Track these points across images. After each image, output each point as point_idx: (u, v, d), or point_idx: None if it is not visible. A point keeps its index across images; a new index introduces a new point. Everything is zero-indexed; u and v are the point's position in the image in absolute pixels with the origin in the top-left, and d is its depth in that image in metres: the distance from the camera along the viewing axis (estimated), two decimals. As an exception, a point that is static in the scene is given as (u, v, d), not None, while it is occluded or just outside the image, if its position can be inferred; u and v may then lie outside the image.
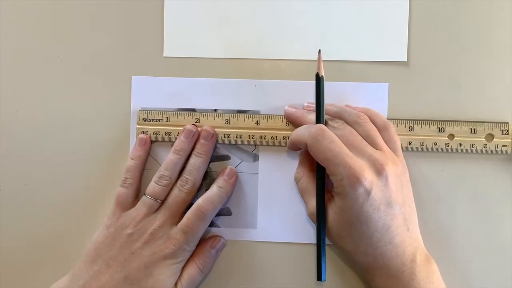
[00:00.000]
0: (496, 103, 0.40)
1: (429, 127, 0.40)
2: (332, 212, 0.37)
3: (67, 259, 0.41)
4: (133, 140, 0.41)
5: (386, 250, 0.35)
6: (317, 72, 0.38)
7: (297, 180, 0.40)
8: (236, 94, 0.41)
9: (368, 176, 0.34)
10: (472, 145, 0.40)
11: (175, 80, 0.42)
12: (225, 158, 0.42)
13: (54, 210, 0.42)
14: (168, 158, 0.39)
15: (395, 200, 0.35)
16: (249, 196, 0.41)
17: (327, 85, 0.38)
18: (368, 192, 0.34)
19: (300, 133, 0.37)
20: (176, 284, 0.38)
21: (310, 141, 0.36)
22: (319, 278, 0.37)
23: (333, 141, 0.35)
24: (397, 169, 0.36)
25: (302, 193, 0.40)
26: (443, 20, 0.41)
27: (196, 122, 0.41)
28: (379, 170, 0.35)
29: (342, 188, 0.35)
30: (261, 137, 0.41)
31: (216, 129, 0.41)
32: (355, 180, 0.34)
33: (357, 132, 0.37)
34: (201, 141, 0.40)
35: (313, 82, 0.38)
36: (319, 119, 0.38)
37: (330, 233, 0.37)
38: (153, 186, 0.39)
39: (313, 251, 0.40)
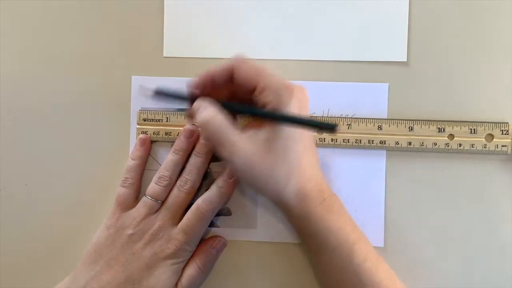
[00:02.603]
0: (496, 103, 0.40)
1: (429, 127, 0.40)
2: (251, 146, 0.34)
3: (67, 259, 0.41)
4: (133, 140, 0.41)
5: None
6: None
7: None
8: (236, 94, 0.41)
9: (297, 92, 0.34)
10: (472, 145, 0.40)
11: (175, 80, 0.42)
12: (225, 158, 0.42)
13: (55, 210, 0.42)
14: (168, 158, 0.39)
15: None
16: (249, 196, 0.41)
17: (328, 85, 0.38)
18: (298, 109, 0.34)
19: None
20: (176, 284, 0.38)
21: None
22: None
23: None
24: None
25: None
26: (443, 20, 0.41)
27: (196, 123, 0.41)
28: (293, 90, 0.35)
29: (278, 100, 0.34)
30: (261, 137, 0.40)
31: (216, 129, 0.41)
32: (290, 90, 0.34)
33: None
34: (202, 141, 0.40)
35: (313, 83, 0.38)
36: None
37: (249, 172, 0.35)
38: (153, 187, 0.39)
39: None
